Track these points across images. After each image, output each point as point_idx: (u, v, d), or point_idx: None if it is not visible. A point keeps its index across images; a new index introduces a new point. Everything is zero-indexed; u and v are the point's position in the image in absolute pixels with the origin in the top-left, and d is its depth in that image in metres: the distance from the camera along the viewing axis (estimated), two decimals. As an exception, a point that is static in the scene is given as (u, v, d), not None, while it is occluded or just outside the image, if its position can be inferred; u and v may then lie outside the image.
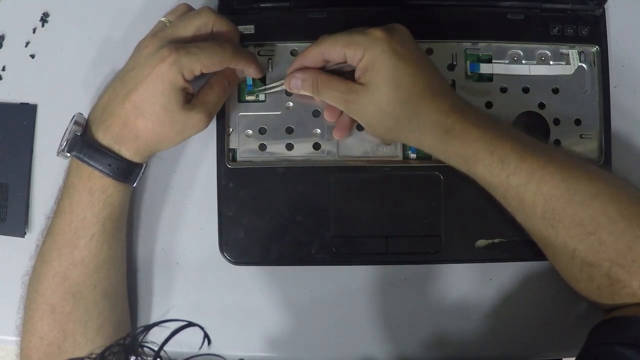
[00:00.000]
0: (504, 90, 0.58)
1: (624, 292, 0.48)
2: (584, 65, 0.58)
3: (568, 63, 0.58)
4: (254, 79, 0.57)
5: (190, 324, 0.37)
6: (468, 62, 0.58)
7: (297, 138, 0.57)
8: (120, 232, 0.55)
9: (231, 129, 0.58)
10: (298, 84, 0.54)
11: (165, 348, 0.36)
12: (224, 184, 0.57)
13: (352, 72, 0.52)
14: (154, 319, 0.59)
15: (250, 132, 0.57)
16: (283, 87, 0.56)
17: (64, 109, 0.57)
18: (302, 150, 0.57)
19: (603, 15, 0.58)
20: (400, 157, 0.57)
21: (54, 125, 0.58)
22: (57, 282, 0.52)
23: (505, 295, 0.58)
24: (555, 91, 0.58)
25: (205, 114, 0.52)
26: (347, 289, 0.59)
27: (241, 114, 0.58)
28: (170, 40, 0.51)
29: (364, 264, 0.58)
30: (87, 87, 0.60)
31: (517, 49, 0.58)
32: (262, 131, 0.57)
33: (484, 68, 0.58)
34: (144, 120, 0.51)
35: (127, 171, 0.52)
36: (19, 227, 0.59)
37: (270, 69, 0.58)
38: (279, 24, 0.58)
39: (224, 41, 0.53)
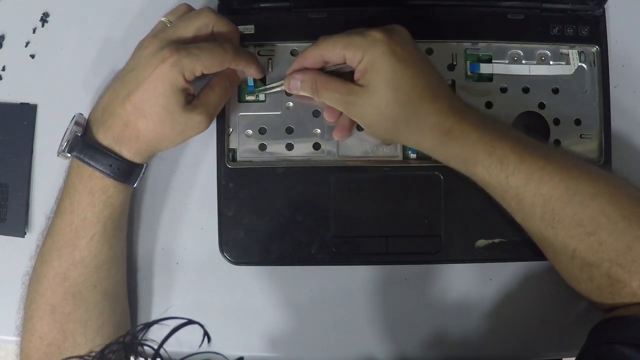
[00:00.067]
0: (504, 90, 0.58)
1: (624, 291, 0.48)
2: (584, 65, 0.58)
3: (568, 63, 0.58)
4: (254, 80, 0.57)
5: (190, 322, 0.37)
6: (468, 62, 0.58)
7: (297, 138, 0.57)
8: (121, 233, 0.55)
9: (231, 129, 0.58)
10: (297, 85, 0.54)
11: (165, 347, 0.36)
12: (224, 184, 0.57)
13: (352, 72, 0.52)
14: (154, 318, 0.59)
15: (250, 132, 0.57)
16: (283, 87, 0.56)
17: (64, 109, 0.57)
18: (302, 150, 0.57)
19: (603, 15, 0.58)
20: (400, 157, 0.57)
21: (54, 125, 0.58)
22: (57, 282, 0.52)
23: (505, 295, 0.58)
24: (555, 91, 0.58)
25: (206, 115, 0.52)
26: (347, 289, 0.59)
27: (241, 114, 0.58)
28: (170, 40, 0.51)
29: (364, 264, 0.58)
30: (87, 87, 0.60)
31: (517, 49, 0.58)
32: (262, 131, 0.57)
33: (484, 68, 0.58)
34: (145, 120, 0.51)
35: (127, 172, 0.52)
36: (19, 227, 0.59)
37: (270, 69, 0.58)
38: (279, 24, 0.58)
39: (224, 42, 0.53)
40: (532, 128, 0.57)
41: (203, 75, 0.51)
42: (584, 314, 0.58)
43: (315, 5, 0.58)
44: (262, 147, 0.57)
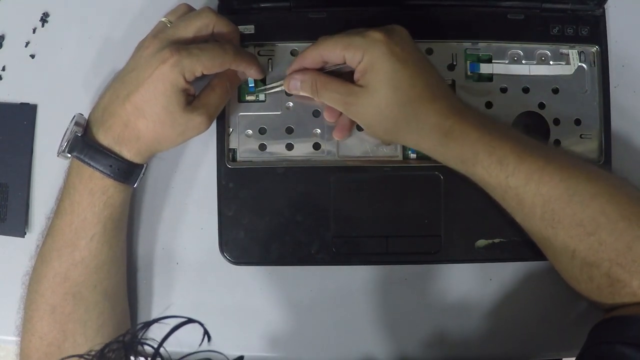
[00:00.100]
0: (504, 90, 0.58)
1: (624, 291, 0.48)
2: (584, 65, 0.58)
3: (568, 63, 0.58)
4: (255, 80, 0.57)
5: (190, 320, 0.37)
6: (468, 62, 0.58)
7: (297, 138, 0.57)
8: (121, 233, 0.55)
9: (231, 129, 0.58)
10: (297, 85, 0.54)
11: (165, 346, 0.36)
12: (224, 184, 0.57)
13: (352, 72, 0.52)
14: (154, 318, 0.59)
15: (250, 132, 0.57)
16: (283, 87, 0.56)
17: (64, 109, 0.57)
18: (302, 150, 0.57)
19: (603, 15, 0.58)
20: (400, 157, 0.57)
21: (54, 125, 0.58)
22: (57, 282, 0.52)
23: (505, 295, 0.58)
24: (555, 91, 0.58)
25: (207, 116, 0.52)
26: (347, 289, 0.59)
27: (241, 114, 0.58)
28: (171, 41, 0.51)
29: (364, 264, 0.58)
30: (87, 87, 0.60)
31: (517, 49, 0.58)
32: (262, 131, 0.57)
33: (484, 68, 0.58)
34: (145, 121, 0.51)
35: (127, 172, 0.52)
36: (19, 227, 0.59)
37: (270, 69, 0.58)
38: (279, 24, 0.58)
39: (225, 42, 0.53)
40: (532, 128, 0.57)
41: (203, 76, 0.51)
42: (584, 314, 0.58)
43: (315, 5, 0.58)
44: (262, 147, 0.57)
